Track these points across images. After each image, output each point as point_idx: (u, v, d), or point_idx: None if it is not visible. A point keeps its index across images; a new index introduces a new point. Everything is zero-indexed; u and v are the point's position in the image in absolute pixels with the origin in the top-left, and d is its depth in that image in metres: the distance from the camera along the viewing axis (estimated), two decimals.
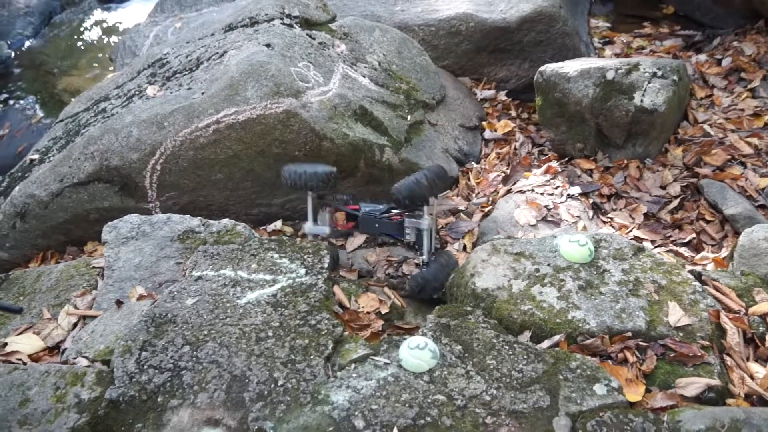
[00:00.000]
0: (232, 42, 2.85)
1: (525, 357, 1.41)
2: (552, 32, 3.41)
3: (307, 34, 2.94)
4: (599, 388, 1.32)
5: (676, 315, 1.58)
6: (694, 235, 2.39)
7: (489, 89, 3.58)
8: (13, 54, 5.38)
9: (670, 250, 2.33)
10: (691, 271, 1.85)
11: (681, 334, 1.55)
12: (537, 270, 1.73)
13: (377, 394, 1.30)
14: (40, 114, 4.81)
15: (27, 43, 5.55)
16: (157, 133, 2.56)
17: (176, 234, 1.82)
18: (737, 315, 1.60)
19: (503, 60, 3.56)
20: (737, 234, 2.28)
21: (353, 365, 1.39)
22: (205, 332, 1.46)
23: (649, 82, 2.62)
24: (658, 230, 2.45)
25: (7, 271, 2.81)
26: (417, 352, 1.37)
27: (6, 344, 1.58)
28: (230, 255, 1.70)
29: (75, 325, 1.64)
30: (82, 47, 5.57)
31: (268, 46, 2.72)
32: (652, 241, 2.39)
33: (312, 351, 1.41)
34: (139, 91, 2.86)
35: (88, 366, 1.44)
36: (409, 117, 2.94)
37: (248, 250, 1.72)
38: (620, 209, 2.56)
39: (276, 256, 1.70)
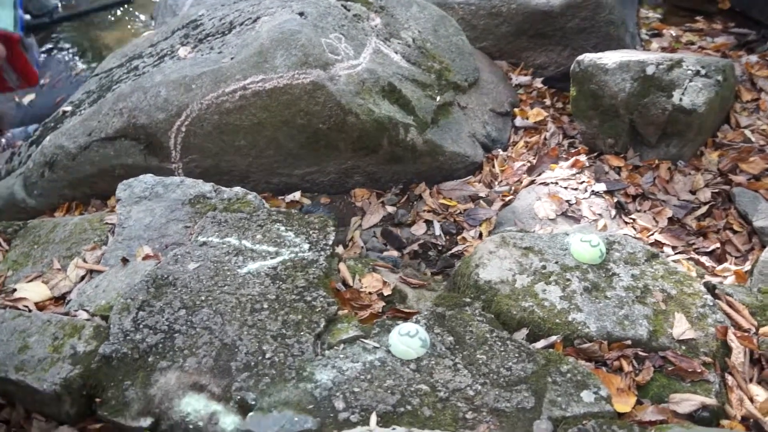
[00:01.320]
0: (266, 8, 2.83)
1: (516, 355, 1.38)
2: (597, 20, 3.29)
3: (342, 5, 2.90)
4: (587, 395, 1.29)
5: (681, 327, 1.53)
6: (718, 244, 2.30)
7: (525, 75, 3.48)
8: (59, 5, 5.47)
9: (690, 258, 2.26)
10: (705, 283, 1.79)
11: (684, 347, 1.50)
12: (544, 267, 1.69)
13: (361, 377, 1.30)
14: (81, 66, 4.90)
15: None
16: (184, 94, 2.57)
17: (188, 198, 1.84)
18: (746, 334, 1.54)
19: (543, 45, 3.46)
20: (764, 247, 2.19)
21: (342, 345, 1.39)
22: (203, 298, 1.48)
23: (690, 81, 2.51)
24: (682, 236, 2.37)
25: (33, 218, 2.90)
26: (407, 339, 1.36)
27: (15, 290, 1.63)
28: (237, 223, 1.71)
29: (82, 278, 1.68)
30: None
31: (301, 14, 2.69)
32: (674, 247, 2.32)
33: (304, 327, 1.42)
34: (172, 52, 2.88)
35: (87, 319, 1.48)
36: (438, 98, 2.89)
37: (255, 220, 1.73)
38: (645, 211, 2.48)
39: (282, 228, 1.70)
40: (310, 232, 1.70)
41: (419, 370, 1.33)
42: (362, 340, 1.40)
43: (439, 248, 2.67)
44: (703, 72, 2.53)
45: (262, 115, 2.56)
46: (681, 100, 2.48)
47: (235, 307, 1.45)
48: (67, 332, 1.44)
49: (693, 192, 2.53)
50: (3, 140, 4.17)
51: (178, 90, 2.59)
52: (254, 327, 1.41)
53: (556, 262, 1.70)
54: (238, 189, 1.89)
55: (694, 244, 2.35)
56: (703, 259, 2.27)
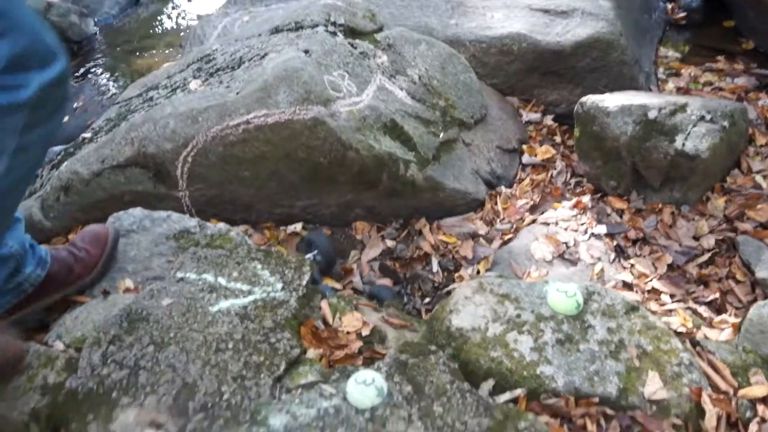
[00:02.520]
0: (274, 45, 2.91)
1: (474, 409, 1.37)
2: (608, 60, 3.27)
3: (349, 43, 2.96)
4: None
5: (653, 386, 1.48)
6: (718, 294, 2.24)
7: (536, 112, 3.48)
8: (98, 31, 5.72)
9: (688, 308, 2.20)
10: (691, 339, 1.74)
11: (654, 407, 1.46)
12: (518, 315, 1.67)
13: (314, 424, 1.30)
14: (113, 90, 5.10)
15: (112, 23, 5.89)
16: (191, 126, 2.65)
17: (173, 232, 1.89)
18: (723, 396, 1.49)
19: (554, 83, 3.45)
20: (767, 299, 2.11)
21: (300, 390, 1.40)
22: (171, 335, 1.51)
23: (694, 126, 2.47)
24: (681, 284, 2.30)
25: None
26: (363, 387, 1.36)
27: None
28: (216, 260, 1.75)
29: (67, 307, 1.74)
30: (162, 30, 5.85)
31: (306, 52, 2.75)
32: (672, 295, 2.26)
33: (264, 369, 1.44)
34: (184, 84, 2.98)
35: (62, 351, 1.53)
36: (441, 134, 2.91)
37: (234, 257, 1.76)
38: (644, 256, 2.43)
39: (259, 266, 1.73)
40: (286, 271, 1.73)
41: (372, 420, 1.33)
42: (321, 385, 1.41)
43: (436, 285, 2.66)
44: (708, 117, 2.48)
45: (264, 148, 2.62)
46: (684, 145, 2.44)
47: (201, 345, 1.48)
48: (42, 362, 1.49)
49: (696, 238, 2.47)
50: None
51: (185, 122, 2.67)
52: (216, 367, 1.43)
53: (532, 311, 1.68)
54: (221, 225, 1.93)
55: (693, 292, 2.29)
56: (702, 309, 2.20)
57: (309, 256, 2.53)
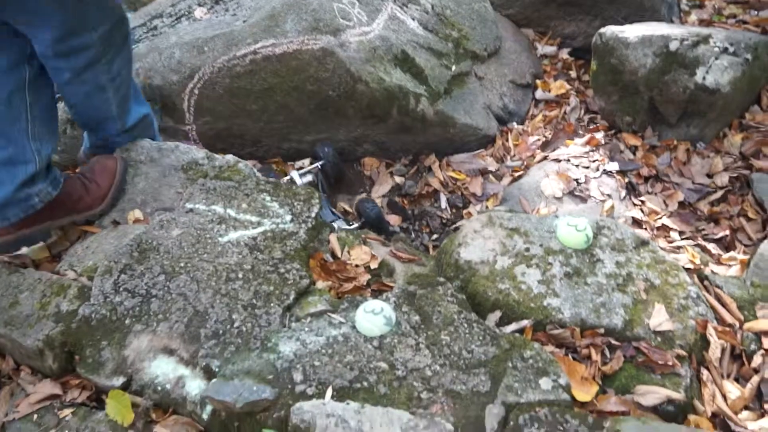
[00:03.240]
0: None
1: (480, 338, 1.38)
2: None
3: None
4: (545, 383, 1.28)
5: (658, 318, 1.49)
6: (728, 231, 2.22)
7: (551, 45, 3.37)
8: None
9: (697, 245, 2.19)
10: (698, 273, 1.74)
11: (659, 339, 1.47)
12: (527, 249, 1.67)
13: (323, 351, 1.33)
14: None
15: None
16: (197, 57, 2.59)
17: (181, 164, 1.88)
18: (728, 329, 1.50)
19: (573, 14, 3.32)
20: None
21: (309, 318, 1.42)
22: (182, 264, 1.52)
23: (716, 59, 2.38)
24: (691, 221, 2.29)
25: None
26: (371, 316, 1.37)
27: None
28: (225, 191, 1.74)
29: (78, 237, 1.75)
30: None
31: None
32: (681, 232, 2.24)
33: (274, 299, 1.45)
34: (189, 12, 2.89)
35: (74, 279, 1.55)
36: (453, 67, 2.84)
37: (243, 189, 1.76)
38: (656, 193, 2.40)
39: (268, 198, 1.72)
40: (295, 203, 1.72)
41: (381, 348, 1.35)
42: (329, 314, 1.43)
43: (444, 221, 2.66)
44: (731, 49, 2.39)
45: (272, 80, 2.56)
46: (704, 78, 2.36)
47: (211, 275, 1.49)
48: (54, 290, 1.51)
49: (710, 176, 2.43)
50: None
51: (191, 52, 2.60)
52: (227, 296, 1.45)
53: (541, 245, 1.67)
54: (230, 157, 1.91)
55: (703, 229, 2.27)
56: (711, 246, 2.19)
57: (316, 164, 2.52)
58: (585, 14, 3.29)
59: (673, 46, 2.42)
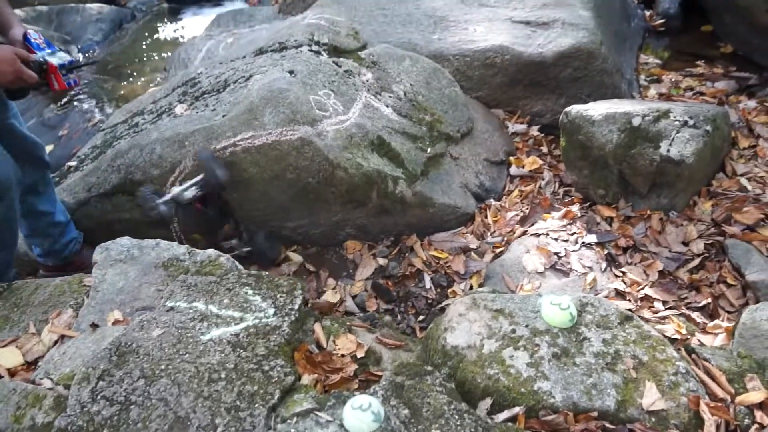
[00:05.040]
0: (258, 66, 2.91)
1: (473, 430, 1.35)
2: (590, 69, 3.30)
3: (333, 62, 2.96)
4: None
5: (651, 397, 1.48)
6: (710, 299, 2.24)
7: (521, 123, 3.49)
8: (81, 58, 5.70)
9: (681, 314, 2.20)
10: (685, 347, 1.74)
11: (653, 419, 1.45)
12: (513, 331, 1.66)
13: None
14: (98, 117, 5.07)
15: (96, 49, 5.87)
16: (178, 151, 2.64)
17: (161, 260, 1.87)
18: (721, 404, 1.48)
19: (539, 94, 3.47)
20: (758, 302, 2.12)
21: (295, 419, 1.38)
22: (162, 367, 1.48)
23: (677, 132, 2.49)
24: (673, 290, 2.31)
25: (36, 272, 2.97)
26: (359, 413, 1.34)
27: None
28: (206, 287, 1.73)
29: (56, 342, 1.71)
30: (146, 55, 5.84)
31: (291, 72, 2.76)
32: (664, 302, 2.26)
33: (258, 399, 1.41)
34: (169, 109, 2.97)
35: (50, 388, 1.50)
36: (429, 150, 2.91)
37: (225, 284, 1.74)
38: (635, 264, 2.44)
39: (250, 292, 1.71)
40: (278, 295, 1.71)
41: None
42: (316, 413, 1.39)
43: (429, 301, 2.65)
44: (691, 122, 2.50)
45: (252, 170, 2.60)
46: (669, 150, 2.45)
47: (193, 376, 1.45)
48: (29, 402, 1.46)
49: (686, 243, 2.48)
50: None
51: (172, 147, 2.65)
52: (209, 398, 1.41)
53: (527, 326, 1.67)
54: (211, 251, 1.91)
55: (686, 298, 2.29)
56: (695, 314, 2.20)
57: (200, 177, 2.48)
58: (550, 93, 3.44)
59: (636, 121, 2.53)
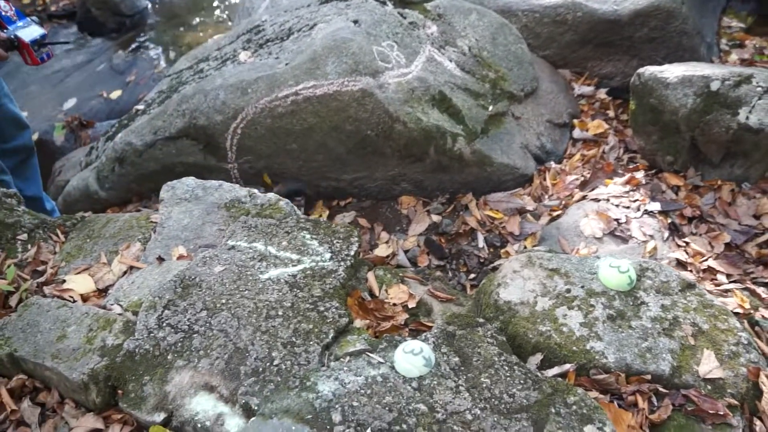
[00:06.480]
0: (323, 15, 2.90)
1: (522, 381, 1.36)
2: (668, 29, 3.13)
3: (399, 13, 2.92)
4: (590, 430, 1.25)
5: (708, 365, 1.44)
6: None
7: (589, 85, 3.37)
8: (149, 5, 5.81)
9: (746, 288, 2.11)
10: (749, 318, 1.68)
11: (709, 387, 1.42)
12: (568, 290, 1.64)
13: (362, 392, 1.32)
14: (164, 65, 5.19)
15: None
16: (240, 98, 2.68)
17: (224, 201, 1.93)
18: None
19: (610, 55, 3.33)
20: None
21: (348, 358, 1.41)
22: (223, 301, 1.54)
23: (759, 99, 2.34)
24: (739, 264, 2.22)
25: (104, 210, 3.12)
26: (410, 357, 1.36)
27: (64, 281, 1.77)
28: (266, 229, 1.77)
29: (125, 272, 1.80)
30: (213, 3, 5.90)
31: (355, 22, 2.73)
32: (728, 275, 2.17)
33: (313, 337, 1.46)
34: (234, 56, 3.00)
35: (120, 314, 1.58)
36: (490, 107, 2.86)
37: (283, 227, 1.78)
38: (700, 234, 2.35)
39: (308, 236, 1.74)
40: (334, 241, 1.74)
41: (420, 389, 1.33)
42: (368, 354, 1.42)
43: (482, 260, 2.64)
44: None
45: (312, 120, 2.62)
46: (748, 118, 2.32)
47: (252, 312, 1.51)
48: (101, 325, 1.55)
49: (757, 217, 2.36)
50: (89, 132, 4.49)
51: (235, 93, 2.69)
52: (267, 333, 1.46)
53: (582, 287, 1.65)
54: (271, 195, 1.95)
55: (752, 272, 2.20)
56: (761, 290, 2.11)
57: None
58: (622, 54, 3.29)
59: (715, 86, 2.40)
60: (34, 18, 2.41)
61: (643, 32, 3.15)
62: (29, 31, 2.26)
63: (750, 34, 3.64)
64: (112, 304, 1.63)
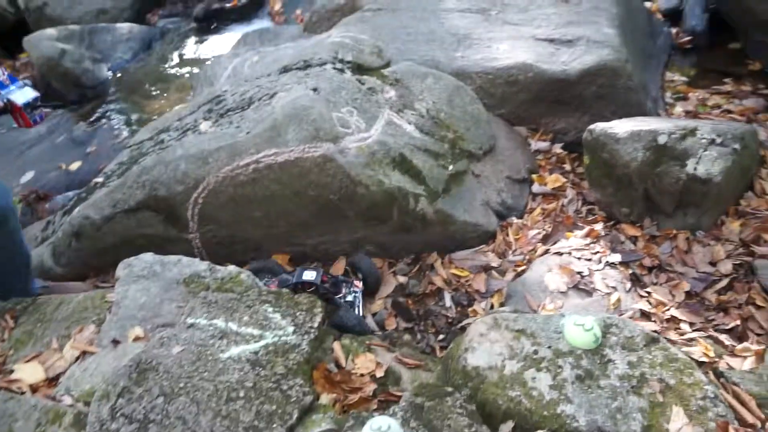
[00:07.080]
0: (283, 84, 2.94)
1: None
2: (615, 86, 3.26)
3: (357, 79, 2.98)
4: None
5: (678, 422, 1.43)
6: (739, 321, 2.18)
7: (544, 141, 3.46)
8: (111, 76, 5.83)
9: (709, 336, 2.14)
10: (714, 370, 1.69)
11: None
12: (536, 352, 1.63)
13: None
14: (125, 134, 5.17)
15: (125, 67, 6.00)
16: (201, 167, 2.67)
17: (183, 277, 1.89)
18: (750, 430, 1.44)
19: (562, 112, 3.44)
20: None
21: None
22: (182, 385, 1.49)
23: (705, 150, 2.44)
24: (700, 311, 2.25)
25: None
26: None
27: (13, 371, 1.68)
28: (227, 304, 1.73)
29: (77, 358, 1.73)
30: (174, 74, 5.94)
31: (315, 90, 2.78)
32: (691, 324, 2.20)
33: (276, 419, 1.41)
34: (195, 126, 3.01)
35: (70, 405, 1.51)
36: (450, 167, 2.90)
37: (245, 301, 1.75)
38: (661, 284, 2.38)
39: (270, 309, 1.71)
40: (297, 313, 1.71)
41: None
42: None
43: (450, 320, 2.62)
44: (718, 140, 2.45)
45: (274, 187, 2.62)
46: (695, 169, 2.41)
47: (211, 395, 1.45)
48: (49, 419, 1.47)
49: (713, 264, 2.42)
50: (47, 205, 4.39)
51: (196, 163, 2.69)
52: (227, 418, 1.40)
53: (549, 347, 1.64)
54: (232, 268, 1.92)
55: (713, 320, 2.23)
56: (723, 337, 2.14)
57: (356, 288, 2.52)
58: (574, 111, 3.41)
59: (662, 139, 2.50)
60: (27, 81, 2.43)
61: (592, 90, 3.28)
62: (22, 94, 2.29)
63: (692, 86, 3.83)
64: (62, 395, 1.56)
